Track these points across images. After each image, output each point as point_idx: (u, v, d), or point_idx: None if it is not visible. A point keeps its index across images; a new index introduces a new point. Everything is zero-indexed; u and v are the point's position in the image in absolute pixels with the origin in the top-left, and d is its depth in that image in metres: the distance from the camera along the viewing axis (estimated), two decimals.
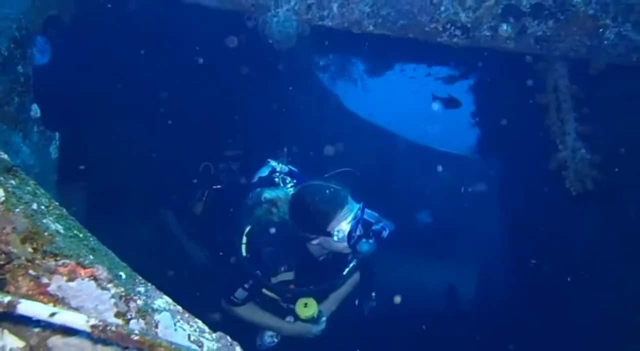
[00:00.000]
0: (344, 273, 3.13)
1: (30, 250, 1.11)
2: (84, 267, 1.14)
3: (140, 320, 1.15)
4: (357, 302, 3.46)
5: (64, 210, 1.23)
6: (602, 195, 3.61)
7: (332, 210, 2.82)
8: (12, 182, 1.14)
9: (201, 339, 1.23)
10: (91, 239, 1.23)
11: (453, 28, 2.94)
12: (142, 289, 1.23)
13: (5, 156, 1.20)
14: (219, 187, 4.54)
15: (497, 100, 5.97)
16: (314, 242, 2.97)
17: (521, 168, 5.77)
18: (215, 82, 5.00)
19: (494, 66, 5.25)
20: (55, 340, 1.12)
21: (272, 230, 3.09)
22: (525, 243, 5.48)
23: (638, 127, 3.48)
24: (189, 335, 1.20)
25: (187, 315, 1.26)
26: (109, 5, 3.18)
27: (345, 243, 2.86)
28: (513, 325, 5.10)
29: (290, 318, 3.31)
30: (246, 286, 3.09)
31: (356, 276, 3.44)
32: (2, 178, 1.12)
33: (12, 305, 1.00)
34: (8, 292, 1.05)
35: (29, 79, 2.78)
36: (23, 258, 1.10)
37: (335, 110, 7.68)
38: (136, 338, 1.08)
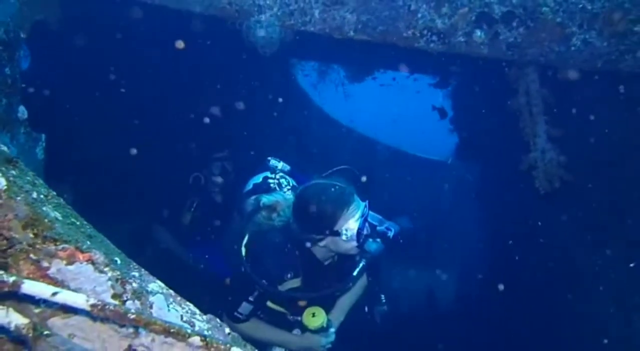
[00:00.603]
0: (354, 274, 2.91)
1: (31, 235, 1.16)
2: (82, 252, 1.20)
3: (136, 301, 1.21)
4: (366, 308, 3.26)
5: (62, 200, 1.29)
6: (571, 195, 3.76)
7: (339, 208, 2.69)
8: (13, 172, 1.20)
9: (192, 319, 1.29)
10: (87, 227, 1.29)
11: (430, 34, 3.06)
12: (136, 273, 1.29)
13: (5, 148, 1.25)
14: (216, 189, 4.56)
15: (473, 106, 6.11)
16: (321, 243, 2.83)
17: (498, 172, 5.92)
18: (200, 88, 5.05)
19: (470, 72, 5.41)
20: (56, 321, 1.17)
21: (274, 237, 2.96)
22: (503, 244, 5.61)
23: (603, 129, 3.63)
24: (181, 316, 1.27)
25: (179, 298, 1.33)
26: (95, 11, 3.22)
27: (354, 243, 2.73)
28: (493, 326, 5.21)
29: (297, 331, 3.14)
30: (251, 299, 2.90)
31: (363, 280, 3.25)
32: (3, 169, 1.18)
33: (16, 284, 1.06)
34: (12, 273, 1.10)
35: (17, 80, 2.81)
36: (24, 243, 1.16)
37: (316, 116, 7.78)
38: (133, 316, 1.14)
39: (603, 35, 3.00)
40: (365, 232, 2.77)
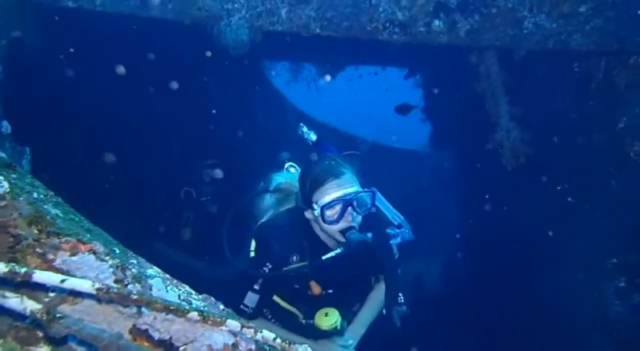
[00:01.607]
0: (326, 255, 2.57)
1: (35, 231, 1.26)
2: (84, 243, 1.30)
3: (137, 284, 1.31)
4: (384, 311, 2.93)
5: (60, 199, 1.38)
6: (536, 169, 3.94)
7: (322, 177, 2.49)
8: (13, 175, 1.29)
9: (189, 298, 1.40)
10: (85, 221, 1.39)
11: (392, 26, 3.20)
12: (134, 261, 1.39)
13: (3, 154, 1.34)
14: (208, 198, 4.51)
15: (441, 94, 6.27)
16: (307, 215, 2.64)
17: (470, 155, 6.09)
18: (178, 95, 5.08)
19: (436, 61, 5.56)
20: (64, 307, 1.27)
21: (282, 219, 2.79)
22: (481, 223, 5.78)
23: (559, 105, 3.81)
24: (179, 296, 1.38)
25: (175, 281, 1.44)
26: (73, 25, 3.28)
27: (321, 220, 2.50)
28: (479, 301, 5.36)
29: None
30: (256, 287, 2.66)
31: (380, 290, 2.92)
32: (4, 173, 1.27)
33: (27, 274, 1.15)
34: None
35: None
36: (30, 238, 1.25)
37: (291, 115, 7.88)
38: (135, 297, 1.25)
39: (552, 17, 3.17)
40: (349, 219, 2.51)
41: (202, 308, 1.35)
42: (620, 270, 3.51)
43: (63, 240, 1.28)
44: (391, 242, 2.82)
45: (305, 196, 2.58)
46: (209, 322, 1.30)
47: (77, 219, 1.36)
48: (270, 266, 2.62)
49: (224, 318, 1.31)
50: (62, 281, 1.18)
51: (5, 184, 1.25)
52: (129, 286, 1.32)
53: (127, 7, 3.24)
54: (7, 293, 1.14)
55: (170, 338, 1.31)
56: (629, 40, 3.22)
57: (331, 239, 2.63)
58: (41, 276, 1.16)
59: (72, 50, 3.43)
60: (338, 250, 2.55)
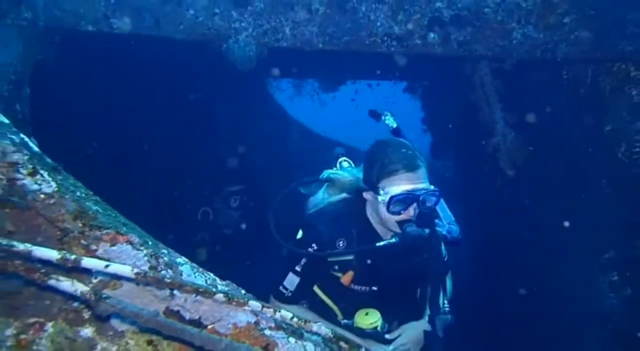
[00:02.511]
0: (380, 243, 2.46)
1: (80, 225, 1.42)
2: (122, 235, 1.45)
3: (169, 270, 1.47)
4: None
5: (98, 197, 1.55)
6: (533, 172, 4.08)
7: (398, 166, 2.35)
8: (59, 177, 1.45)
9: (215, 284, 1.55)
10: (121, 217, 1.54)
11: (389, 39, 3.37)
12: (165, 251, 1.55)
13: (49, 160, 1.51)
14: (231, 223, 4.51)
15: (440, 104, 6.43)
16: (366, 196, 2.52)
17: (470, 163, 6.22)
18: (188, 111, 5.23)
19: (434, 73, 5.74)
20: (107, 292, 1.42)
21: (333, 206, 2.67)
22: (482, 229, 5.90)
23: (549, 110, 3.97)
24: (205, 280, 1.53)
25: (201, 269, 1.59)
26: (87, 47, 3.47)
27: (385, 208, 2.38)
28: (479, 307, 5.45)
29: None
30: (298, 268, 2.54)
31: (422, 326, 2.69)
32: (52, 174, 1.43)
33: (77, 260, 1.31)
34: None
35: (26, 115, 3.05)
36: (75, 231, 1.41)
37: (295, 130, 8.05)
38: (168, 280, 1.40)
39: (539, 28, 3.35)
40: (406, 210, 2.38)
41: (227, 291, 1.50)
42: (613, 265, 3.63)
43: (104, 232, 1.44)
44: (447, 237, 2.70)
45: (372, 177, 2.42)
46: (234, 303, 1.45)
47: (113, 215, 1.52)
48: (315, 248, 2.49)
49: (246, 299, 1.46)
50: (106, 266, 1.33)
51: (53, 184, 1.41)
52: (162, 272, 1.47)
53: (142, 29, 3.43)
54: (61, 277, 1.29)
55: (200, 317, 1.46)
56: (612, 48, 3.39)
57: (382, 226, 2.53)
58: (88, 262, 1.32)
59: (91, 70, 3.60)
60: (393, 240, 2.43)
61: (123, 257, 1.44)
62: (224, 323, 1.47)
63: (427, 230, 2.45)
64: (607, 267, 3.67)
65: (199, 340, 1.34)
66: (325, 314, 2.64)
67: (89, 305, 1.31)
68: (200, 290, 1.42)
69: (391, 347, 2.57)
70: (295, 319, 1.52)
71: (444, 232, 2.71)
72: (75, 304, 1.41)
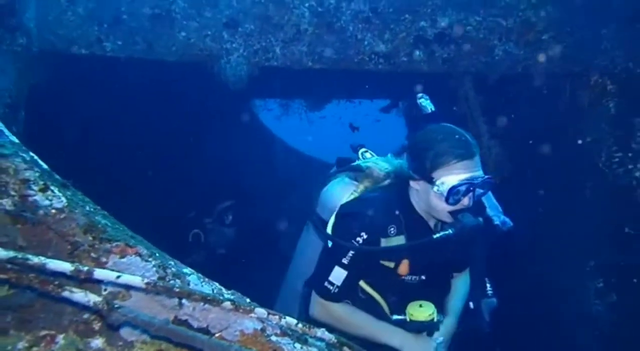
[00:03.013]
0: (437, 234, 2.31)
1: (90, 238, 1.45)
2: (131, 247, 1.49)
3: (177, 280, 1.50)
4: (471, 304, 2.63)
5: (105, 212, 1.59)
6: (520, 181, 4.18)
7: (454, 154, 2.19)
8: (68, 192, 1.49)
9: (221, 292, 1.59)
10: (128, 230, 1.58)
11: (376, 57, 3.48)
12: (172, 262, 1.59)
13: (58, 176, 1.55)
14: (223, 241, 4.36)
15: (424, 120, 6.55)
16: (414, 185, 2.35)
17: None
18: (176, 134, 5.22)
19: (416, 89, 5.86)
20: (117, 302, 1.46)
21: (373, 193, 2.48)
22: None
23: (530, 121, 4.10)
24: (212, 290, 1.57)
25: (207, 279, 1.63)
26: (80, 71, 3.51)
27: (443, 200, 2.22)
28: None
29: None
30: (345, 261, 2.33)
31: (463, 280, 2.68)
32: (62, 190, 1.47)
33: (90, 272, 1.34)
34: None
35: (20, 137, 3.07)
36: (86, 244, 1.45)
37: (280, 150, 8.11)
38: (177, 290, 1.44)
39: (519, 45, 3.49)
40: (464, 198, 2.23)
41: (233, 299, 1.54)
42: (599, 271, 3.72)
43: (113, 245, 1.47)
44: (502, 227, 2.65)
45: (424, 167, 2.25)
46: (240, 311, 1.49)
47: (121, 228, 1.56)
48: (365, 237, 2.31)
49: (252, 307, 1.51)
50: (118, 277, 1.37)
51: (64, 199, 1.45)
52: (171, 282, 1.50)
53: (134, 52, 3.49)
54: (74, 289, 1.32)
55: (208, 325, 1.50)
56: (588, 63, 3.54)
57: (429, 215, 2.38)
58: (101, 273, 1.35)
59: (85, 92, 3.64)
60: (449, 231, 2.27)
61: (132, 269, 1.48)
62: (231, 330, 1.51)
63: (480, 219, 2.32)
64: (593, 274, 3.76)
65: (209, 347, 1.38)
66: (372, 309, 2.46)
67: (101, 314, 1.34)
68: (208, 298, 1.46)
69: (441, 338, 2.46)
70: (300, 325, 1.56)
71: (498, 222, 2.67)
72: (86, 316, 1.44)
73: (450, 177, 2.20)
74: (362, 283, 2.46)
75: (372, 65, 3.51)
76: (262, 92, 6.42)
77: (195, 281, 1.55)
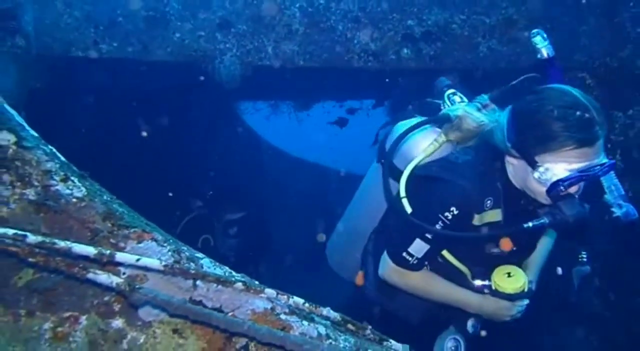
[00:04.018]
0: (526, 225, 1.95)
1: (109, 225, 1.54)
2: (147, 233, 1.58)
3: (191, 263, 1.59)
4: (560, 270, 2.38)
5: (121, 201, 1.67)
6: None
7: (567, 139, 1.76)
8: (86, 182, 1.58)
9: (232, 275, 1.68)
10: (142, 218, 1.67)
11: (366, 55, 3.59)
12: (185, 247, 1.67)
13: (75, 168, 1.63)
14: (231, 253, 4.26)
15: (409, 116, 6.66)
16: (511, 160, 1.96)
17: None
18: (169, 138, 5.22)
19: (403, 87, 5.99)
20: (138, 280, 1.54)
21: (466, 155, 2.09)
22: None
23: None
24: (224, 272, 1.66)
25: (218, 263, 1.72)
26: (78, 73, 3.58)
27: (543, 189, 1.86)
28: None
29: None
30: (429, 236, 2.03)
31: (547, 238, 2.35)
32: (82, 180, 1.56)
33: (111, 255, 1.43)
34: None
35: None
36: (105, 231, 1.53)
37: (267, 152, 8.16)
38: (193, 271, 1.53)
39: (502, 42, 3.63)
40: (570, 189, 1.85)
41: (244, 280, 1.63)
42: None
43: (131, 231, 1.56)
44: (622, 218, 2.28)
45: (526, 145, 1.86)
46: (251, 291, 1.58)
47: (136, 216, 1.64)
48: (455, 212, 1.98)
49: (262, 288, 1.60)
50: (137, 260, 1.46)
51: (83, 189, 1.53)
52: (185, 265, 1.59)
53: (129, 53, 3.57)
54: (97, 271, 1.41)
55: (221, 305, 1.59)
56: (567, 58, 3.69)
57: (530, 190, 1.97)
58: (122, 256, 1.44)
59: (81, 94, 3.70)
60: (545, 220, 1.91)
61: (149, 253, 1.56)
62: (243, 309, 1.60)
63: (587, 207, 1.91)
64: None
65: (224, 323, 1.47)
66: (452, 275, 2.23)
67: (123, 295, 1.43)
68: (221, 279, 1.56)
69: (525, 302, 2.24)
70: (306, 305, 1.66)
71: (619, 214, 2.27)
72: (106, 298, 1.53)
73: (559, 166, 1.80)
74: (445, 253, 2.21)
75: (361, 63, 3.62)
76: (253, 92, 6.50)
77: (208, 264, 1.64)
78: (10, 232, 1.29)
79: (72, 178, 1.52)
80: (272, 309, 1.62)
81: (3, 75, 2.95)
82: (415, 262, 2.14)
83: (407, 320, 2.40)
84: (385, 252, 2.25)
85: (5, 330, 1.42)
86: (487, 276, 2.20)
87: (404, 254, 2.13)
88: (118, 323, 1.52)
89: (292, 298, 1.63)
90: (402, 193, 2.13)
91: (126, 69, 3.60)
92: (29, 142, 1.49)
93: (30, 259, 1.34)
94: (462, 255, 2.21)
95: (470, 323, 2.31)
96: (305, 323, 1.65)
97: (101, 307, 1.51)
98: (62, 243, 1.37)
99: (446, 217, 2.01)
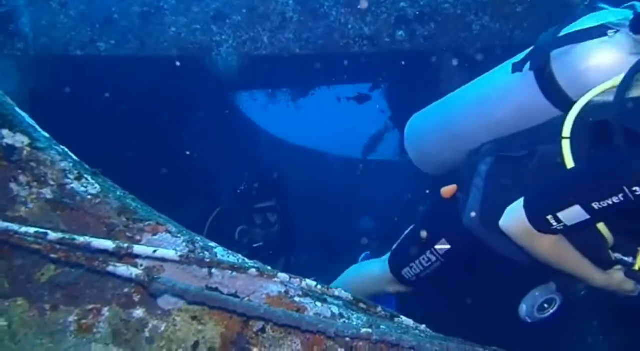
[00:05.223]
0: None
1: (124, 219, 1.58)
2: (161, 225, 1.62)
3: (206, 253, 1.64)
4: None
5: (133, 196, 1.71)
6: None
7: None
8: (99, 179, 1.62)
9: (245, 261, 1.73)
10: (155, 211, 1.71)
11: (361, 40, 3.61)
12: (198, 238, 1.72)
13: (87, 166, 1.67)
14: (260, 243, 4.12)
15: (407, 101, 6.67)
16: None
17: None
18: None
19: (398, 69, 5.99)
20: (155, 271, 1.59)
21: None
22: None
23: None
24: (237, 260, 1.71)
25: (231, 251, 1.76)
26: (79, 72, 3.59)
27: None
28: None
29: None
30: (595, 206, 1.62)
31: None
32: (95, 177, 1.60)
33: (129, 248, 1.47)
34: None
35: None
36: (121, 225, 1.58)
37: (265, 141, 8.14)
38: (208, 260, 1.58)
39: (495, 19, 3.64)
40: None
41: (258, 266, 1.68)
42: None
43: (145, 224, 1.60)
44: None
45: None
46: (265, 276, 1.63)
47: (149, 209, 1.68)
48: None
49: (275, 272, 1.65)
50: (154, 251, 1.50)
51: (97, 186, 1.57)
52: (200, 254, 1.64)
53: (127, 50, 3.58)
54: (117, 264, 1.45)
55: (236, 291, 1.64)
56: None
57: None
58: (139, 248, 1.49)
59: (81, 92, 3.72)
60: None
61: (165, 245, 1.61)
62: (258, 294, 1.65)
63: None
64: None
65: (241, 308, 1.52)
66: (590, 241, 1.90)
67: (143, 285, 1.48)
68: (235, 266, 1.60)
69: None
70: (319, 287, 1.71)
71: None
72: (126, 290, 1.57)
73: None
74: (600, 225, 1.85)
75: (357, 47, 3.63)
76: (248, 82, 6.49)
77: (222, 253, 1.69)
78: (32, 230, 1.34)
79: (86, 176, 1.56)
80: (286, 292, 1.67)
81: (4, 77, 2.98)
82: (559, 228, 1.75)
83: (504, 262, 2.14)
84: (520, 204, 1.84)
85: (32, 324, 1.47)
86: (631, 253, 1.89)
87: (549, 217, 1.74)
88: (139, 312, 1.57)
89: (305, 280, 1.68)
90: (566, 132, 1.69)
91: (125, 65, 3.61)
92: (42, 143, 1.53)
93: (52, 255, 1.39)
94: (619, 228, 1.85)
95: (580, 286, 2.06)
96: (318, 304, 1.70)
97: (122, 298, 1.56)
98: (81, 239, 1.41)
99: (634, 192, 1.52)
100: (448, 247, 2.22)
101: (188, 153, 4.88)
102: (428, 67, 4.17)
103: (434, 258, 2.36)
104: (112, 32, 3.52)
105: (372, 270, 2.81)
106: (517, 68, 2.12)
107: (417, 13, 3.59)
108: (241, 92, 7.45)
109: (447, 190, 2.35)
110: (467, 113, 2.33)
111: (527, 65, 2.12)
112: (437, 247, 2.21)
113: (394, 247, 2.70)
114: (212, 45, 3.65)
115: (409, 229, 2.67)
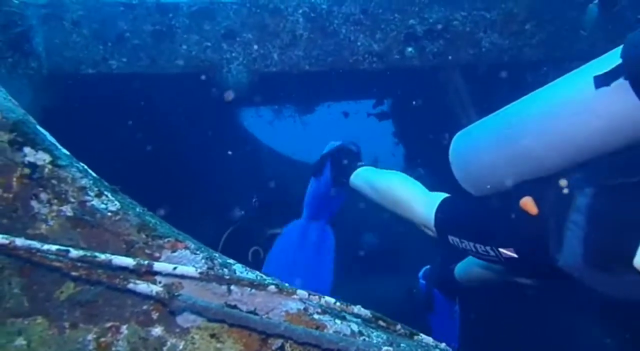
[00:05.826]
0: None
1: (144, 236, 1.57)
2: (180, 242, 1.61)
3: (225, 269, 1.63)
4: None
5: (152, 213, 1.71)
6: None
7: None
8: (118, 196, 1.61)
9: (264, 278, 1.72)
10: (174, 228, 1.71)
11: (370, 57, 3.63)
12: (216, 254, 1.71)
13: (107, 183, 1.67)
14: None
15: (412, 116, 6.69)
16: None
17: (444, 170, 6.40)
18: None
19: (405, 86, 6.01)
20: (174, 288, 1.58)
21: None
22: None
23: None
24: (256, 276, 1.69)
25: (249, 268, 1.75)
26: (90, 90, 3.61)
27: None
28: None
29: None
30: None
31: None
32: (114, 195, 1.59)
33: (150, 265, 1.46)
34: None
35: None
36: (140, 242, 1.57)
37: (268, 157, 8.15)
38: (227, 277, 1.57)
39: (504, 36, 3.66)
40: None
41: (277, 283, 1.67)
42: None
43: (165, 241, 1.60)
44: None
45: None
46: (284, 293, 1.62)
47: (168, 226, 1.68)
48: None
49: (294, 289, 1.64)
50: (174, 268, 1.49)
51: (117, 203, 1.57)
52: (219, 271, 1.63)
53: (139, 67, 3.61)
54: (137, 281, 1.44)
55: (255, 308, 1.62)
56: (568, 48, 3.73)
57: None
58: (159, 265, 1.48)
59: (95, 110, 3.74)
60: None
61: (184, 261, 1.60)
62: (277, 311, 1.63)
63: None
64: None
65: (262, 326, 1.50)
66: None
67: (163, 303, 1.47)
68: (254, 283, 1.59)
69: None
70: (337, 304, 1.69)
71: None
72: (145, 307, 1.56)
73: None
74: None
75: (366, 64, 3.66)
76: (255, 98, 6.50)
77: (240, 269, 1.68)
78: (54, 248, 1.33)
79: (106, 193, 1.56)
80: (305, 309, 1.66)
81: (18, 96, 2.99)
82: None
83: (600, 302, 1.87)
84: None
85: (52, 342, 1.46)
86: None
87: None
88: (157, 330, 1.55)
89: (324, 298, 1.66)
90: None
91: (136, 83, 3.63)
92: (63, 161, 1.52)
93: (73, 273, 1.38)
94: None
95: None
96: (337, 321, 1.68)
97: (140, 316, 1.55)
98: (102, 256, 1.40)
99: None
100: (515, 256, 1.94)
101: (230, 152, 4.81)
102: (436, 83, 4.19)
103: (492, 254, 2.09)
104: (123, 50, 3.54)
105: (416, 200, 2.59)
106: (602, 82, 1.73)
107: (427, 30, 3.62)
108: (247, 108, 7.48)
109: (528, 205, 2.01)
110: (538, 130, 2.00)
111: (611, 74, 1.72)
112: (502, 250, 1.94)
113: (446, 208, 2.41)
114: (222, 63, 3.67)
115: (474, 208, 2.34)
